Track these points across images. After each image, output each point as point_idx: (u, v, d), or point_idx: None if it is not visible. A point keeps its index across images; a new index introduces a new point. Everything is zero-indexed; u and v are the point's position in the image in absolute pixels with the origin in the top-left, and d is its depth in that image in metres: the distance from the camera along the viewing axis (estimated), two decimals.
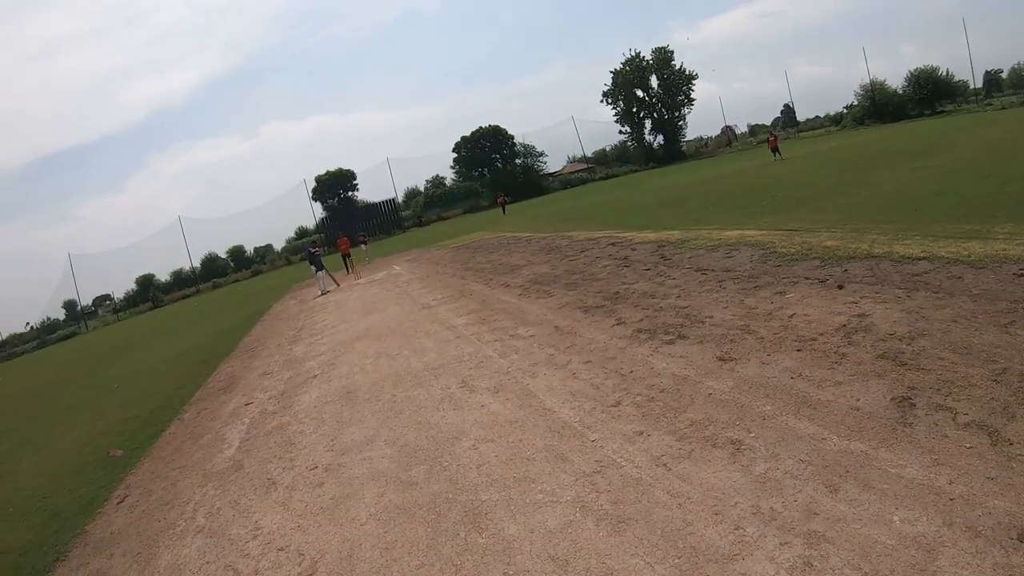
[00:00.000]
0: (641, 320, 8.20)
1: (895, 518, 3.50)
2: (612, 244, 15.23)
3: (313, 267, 26.80)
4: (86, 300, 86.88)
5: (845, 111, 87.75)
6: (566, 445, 5.32)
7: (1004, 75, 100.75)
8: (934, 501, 3.54)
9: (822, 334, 6.14)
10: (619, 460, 4.84)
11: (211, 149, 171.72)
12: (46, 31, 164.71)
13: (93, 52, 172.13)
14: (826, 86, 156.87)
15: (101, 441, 10.75)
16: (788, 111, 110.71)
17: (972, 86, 78.86)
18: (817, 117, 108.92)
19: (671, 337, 7.18)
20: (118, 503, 7.20)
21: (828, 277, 7.99)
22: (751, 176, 30.24)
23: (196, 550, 5.44)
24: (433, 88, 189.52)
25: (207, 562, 5.17)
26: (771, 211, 15.76)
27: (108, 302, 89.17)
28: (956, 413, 4.29)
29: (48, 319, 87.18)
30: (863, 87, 75.92)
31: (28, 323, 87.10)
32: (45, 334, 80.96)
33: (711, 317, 7.55)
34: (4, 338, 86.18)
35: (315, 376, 10.41)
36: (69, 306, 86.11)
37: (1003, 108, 48.84)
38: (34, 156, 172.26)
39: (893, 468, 3.89)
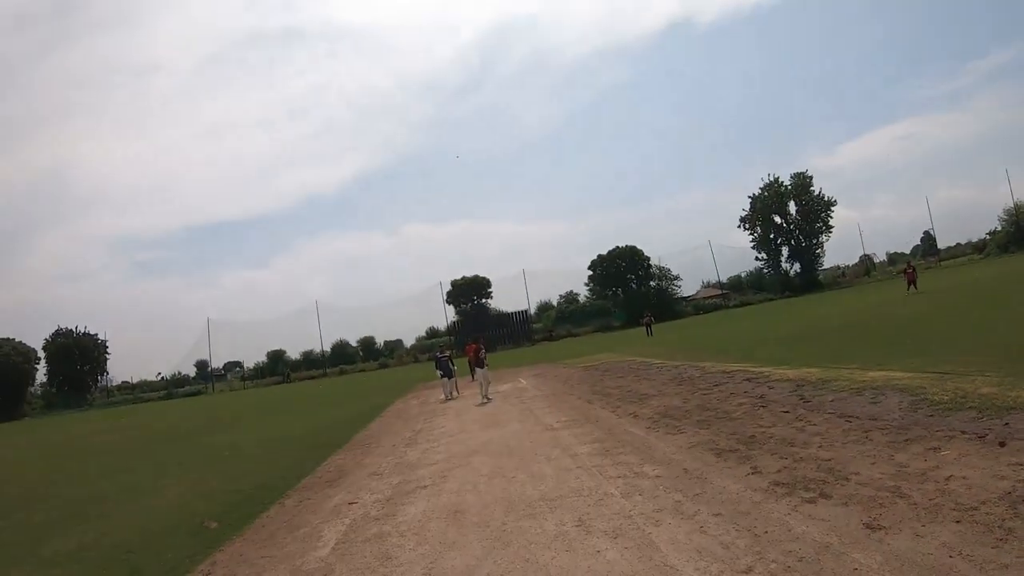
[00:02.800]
0: (779, 471, 7.58)
1: None
2: (747, 380, 14.61)
3: (439, 371, 25.97)
4: (217, 363, 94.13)
5: (988, 237, 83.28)
6: None
7: None
8: None
9: (984, 502, 5.49)
10: None
11: (355, 241, 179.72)
12: (217, 114, 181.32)
13: (257, 138, 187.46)
14: (968, 211, 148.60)
15: (199, 506, 11.01)
16: (928, 238, 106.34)
17: None
18: (959, 244, 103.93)
19: (812, 495, 6.58)
20: None
21: (987, 432, 7.26)
22: (892, 310, 28.86)
23: None
24: (572, 205, 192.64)
25: None
26: (917, 351, 14.83)
27: (238, 368, 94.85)
28: None
29: (179, 374, 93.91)
30: (1007, 211, 71.94)
31: (159, 374, 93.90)
32: (173, 387, 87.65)
33: (857, 474, 6.91)
34: (135, 383, 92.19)
35: (425, 487, 10.18)
36: (200, 366, 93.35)
37: None
38: (193, 222, 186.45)
39: None
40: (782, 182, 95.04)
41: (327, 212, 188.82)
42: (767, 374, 14.78)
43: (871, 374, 12.21)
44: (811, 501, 6.42)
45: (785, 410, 10.72)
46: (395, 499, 9.66)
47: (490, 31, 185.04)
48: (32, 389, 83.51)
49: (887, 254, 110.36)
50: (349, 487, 11.07)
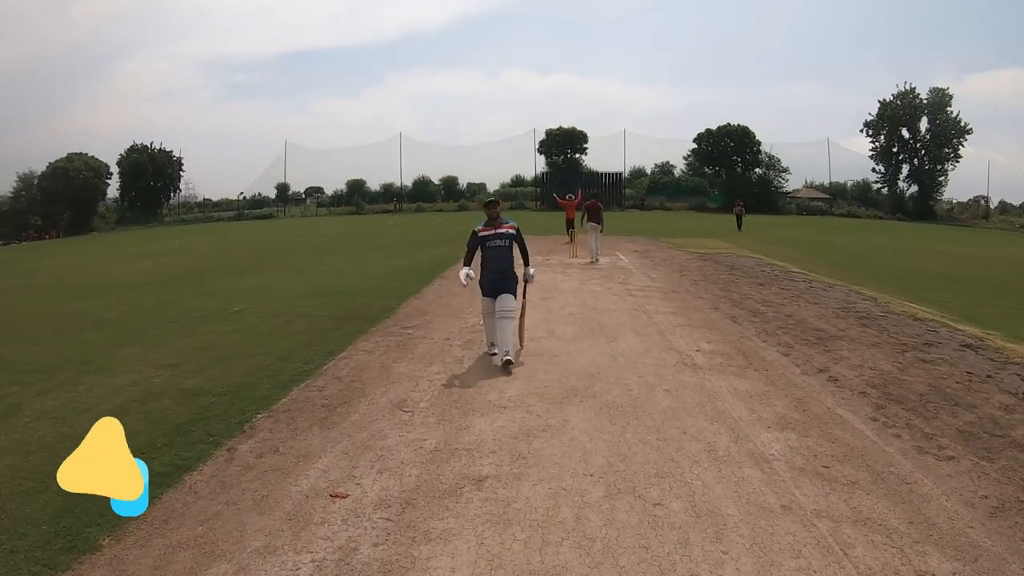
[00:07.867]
0: None
1: None
2: (968, 347, 9.99)
3: (466, 274, 9.20)
4: (298, 188, 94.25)
5: None
6: None
7: None
8: None
9: None
10: None
11: (451, 79, 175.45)
12: None
13: None
14: None
15: (131, 422, 5.51)
16: None
17: None
18: None
19: None
20: None
21: None
22: None
23: None
24: (682, 75, 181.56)
25: None
26: None
27: (318, 195, 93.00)
28: None
29: (259, 195, 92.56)
30: None
31: (241, 193, 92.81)
32: (246, 207, 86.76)
33: None
34: (216, 200, 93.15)
35: (481, 481, 5.44)
36: (281, 188, 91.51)
37: None
38: (289, 48, 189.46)
39: None
40: (918, 93, 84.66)
41: (425, 48, 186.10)
42: (997, 347, 9.98)
43: None
44: None
45: None
46: (418, 509, 4.98)
47: None
48: (104, 204, 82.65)
49: (999, 202, 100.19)
50: (352, 431, 6.65)
